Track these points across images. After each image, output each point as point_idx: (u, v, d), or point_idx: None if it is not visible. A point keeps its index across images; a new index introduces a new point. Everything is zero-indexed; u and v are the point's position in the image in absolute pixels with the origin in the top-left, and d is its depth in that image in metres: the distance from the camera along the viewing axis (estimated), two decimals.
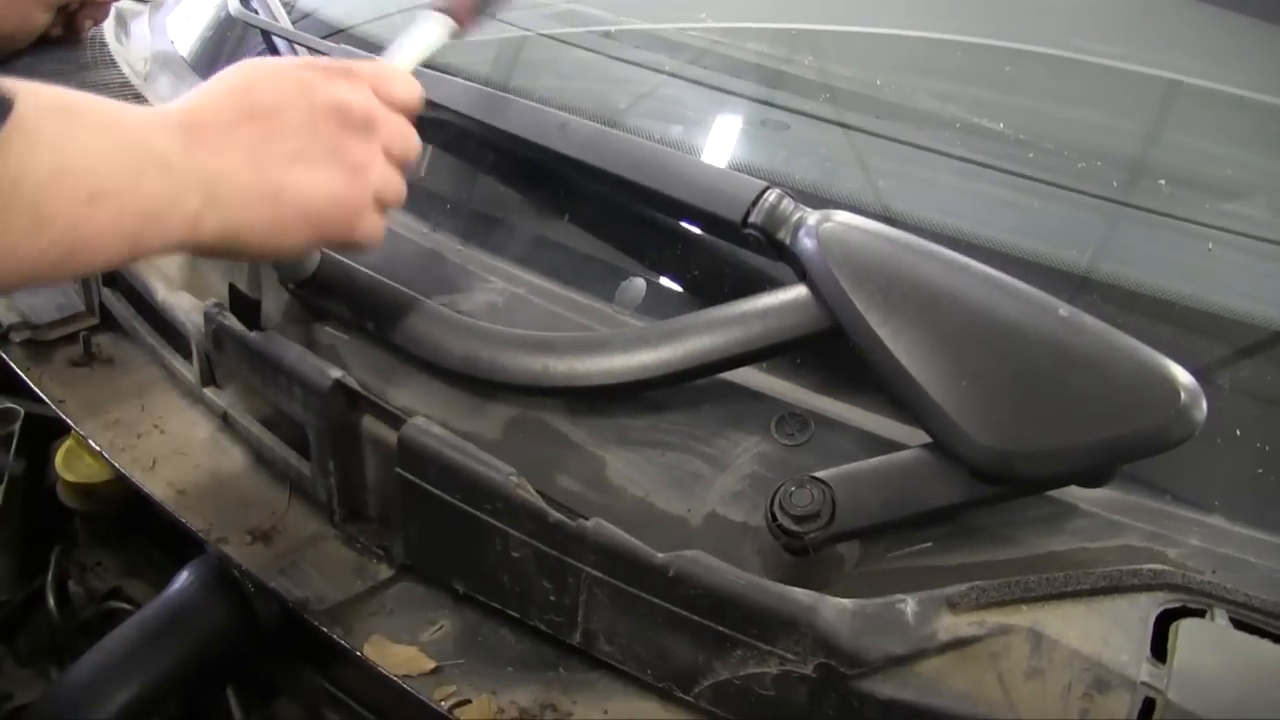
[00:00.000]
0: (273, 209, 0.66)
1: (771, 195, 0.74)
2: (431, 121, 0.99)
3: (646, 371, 0.73)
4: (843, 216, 0.70)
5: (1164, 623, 0.58)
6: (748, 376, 0.76)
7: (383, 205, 0.72)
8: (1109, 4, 1.14)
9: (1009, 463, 0.60)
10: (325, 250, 0.85)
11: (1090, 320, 0.62)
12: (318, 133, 0.67)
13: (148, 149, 0.61)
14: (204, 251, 0.67)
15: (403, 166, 0.73)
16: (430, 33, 0.80)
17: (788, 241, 0.72)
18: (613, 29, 1.17)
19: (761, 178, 0.87)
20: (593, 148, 0.84)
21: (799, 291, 0.71)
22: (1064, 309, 0.62)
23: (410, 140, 0.73)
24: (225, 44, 1.30)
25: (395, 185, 0.72)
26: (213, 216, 0.63)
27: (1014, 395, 0.61)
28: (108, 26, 1.37)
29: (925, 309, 0.64)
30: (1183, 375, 0.58)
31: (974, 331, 0.63)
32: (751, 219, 0.74)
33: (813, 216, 0.71)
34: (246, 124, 0.65)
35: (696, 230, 0.85)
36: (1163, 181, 0.86)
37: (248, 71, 0.68)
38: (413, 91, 0.74)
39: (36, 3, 1.17)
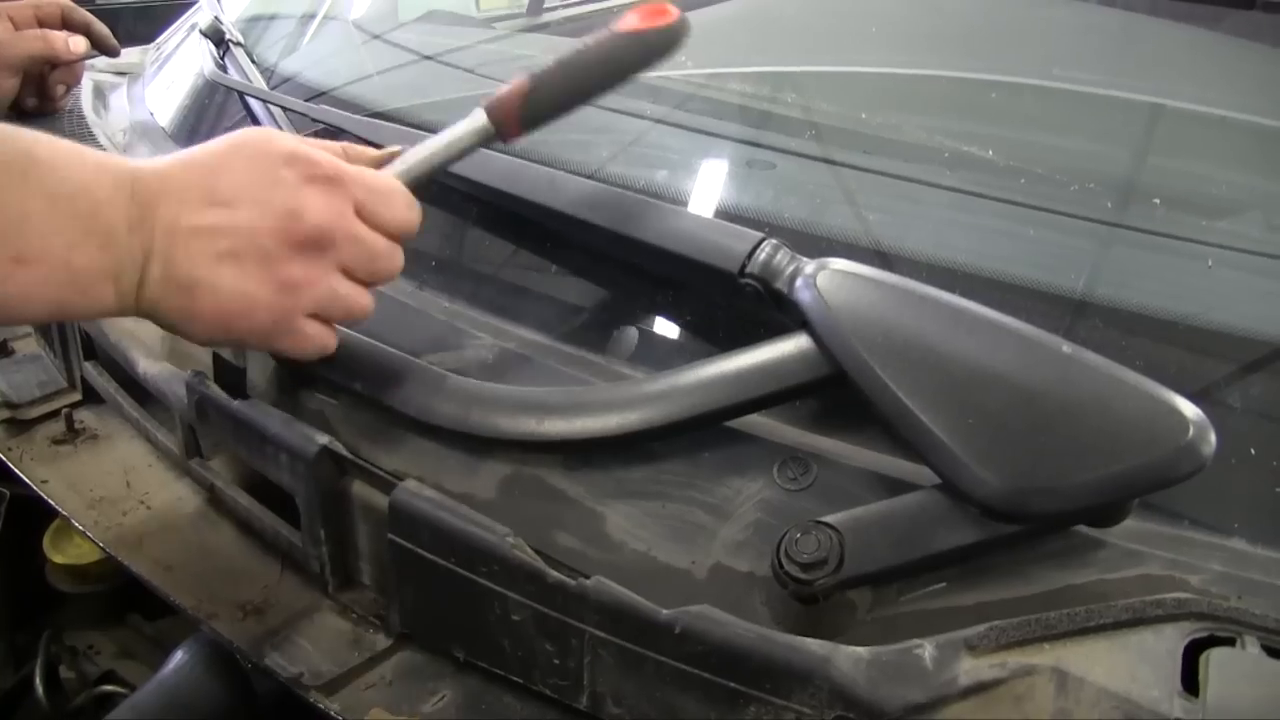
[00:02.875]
0: (184, 301, 0.66)
1: (767, 246, 0.73)
2: None
3: (646, 423, 0.71)
4: (839, 264, 0.69)
5: (1193, 654, 0.55)
6: (746, 420, 0.74)
7: (329, 319, 0.71)
8: (1087, 32, 1.14)
9: (1020, 499, 0.59)
10: None
11: (1093, 356, 0.60)
12: (259, 237, 0.66)
13: (93, 222, 0.61)
14: (131, 315, 0.67)
15: (371, 284, 0.72)
16: (467, 137, 0.76)
17: (786, 292, 0.71)
18: None
19: (751, 218, 0.86)
20: (582, 202, 0.83)
21: (799, 339, 0.69)
22: (1067, 346, 0.61)
23: (383, 262, 0.72)
24: (205, 112, 1.30)
25: (348, 303, 0.71)
26: (141, 302, 0.65)
27: (1022, 433, 0.59)
28: (85, 99, 1.37)
29: (929, 352, 0.63)
30: (1189, 409, 0.57)
31: (978, 372, 0.61)
32: (748, 270, 0.73)
33: (810, 266, 0.70)
34: (197, 210, 0.65)
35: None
36: (1157, 200, 0.85)
37: (233, 149, 0.68)
38: (409, 216, 0.73)
39: (1, 69, 1.16)
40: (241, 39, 1.29)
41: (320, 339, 0.72)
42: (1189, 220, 0.85)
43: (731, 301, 0.75)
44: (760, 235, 0.74)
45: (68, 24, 1.28)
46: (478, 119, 0.76)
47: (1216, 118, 0.99)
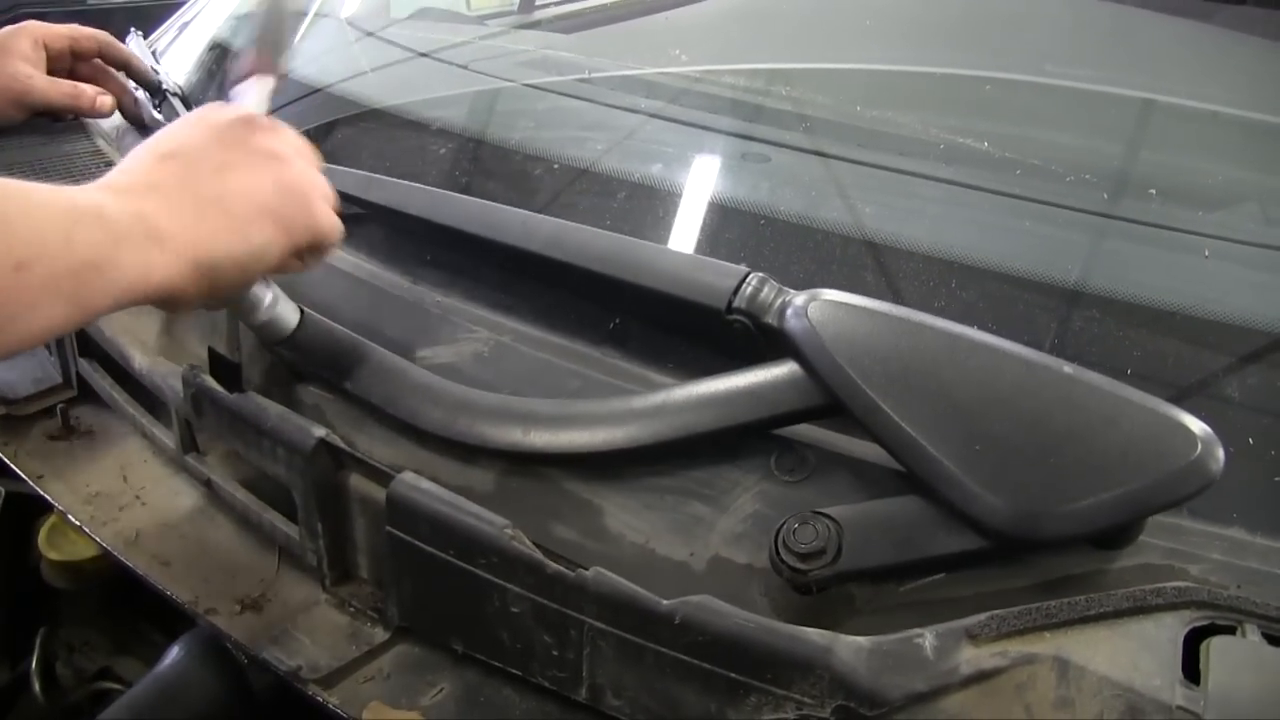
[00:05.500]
0: (224, 214, 0.66)
1: (754, 280, 0.72)
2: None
3: (632, 441, 0.71)
4: (830, 295, 0.69)
5: (1194, 642, 0.55)
6: None
7: (324, 197, 0.73)
8: (1080, 27, 1.14)
9: (1032, 524, 0.58)
10: (307, 309, 0.84)
11: (1095, 376, 0.60)
12: (230, 144, 0.69)
13: (75, 207, 0.60)
14: (179, 296, 0.64)
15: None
16: (256, 97, 0.80)
17: (776, 325, 0.70)
18: (590, 74, 1.17)
19: (745, 210, 0.86)
20: (557, 244, 0.82)
21: (790, 368, 0.69)
22: (1068, 367, 0.61)
23: (313, 155, 0.75)
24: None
25: (322, 181, 0.74)
26: (166, 253, 0.62)
27: (1029, 457, 0.59)
28: None
29: (928, 379, 0.62)
30: (1196, 424, 0.57)
31: (981, 397, 0.61)
32: (735, 305, 0.72)
33: (799, 298, 0.69)
34: (161, 165, 0.67)
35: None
36: (1153, 191, 0.85)
37: (156, 134, 0.71)
38: (301, 139, 0.77)
39: (13, 105, 1.13)
40: (179, 89, 1.27)
41: (332, 216, 0.74)
42: (1184, 213, 0.85)
43: (721, 340, 0.74)
44: (745, 270, 0.73)
45: (104, 57, 1.23)
46: (251, 85, 0.80)
47: (1209, 113, 0.99)
